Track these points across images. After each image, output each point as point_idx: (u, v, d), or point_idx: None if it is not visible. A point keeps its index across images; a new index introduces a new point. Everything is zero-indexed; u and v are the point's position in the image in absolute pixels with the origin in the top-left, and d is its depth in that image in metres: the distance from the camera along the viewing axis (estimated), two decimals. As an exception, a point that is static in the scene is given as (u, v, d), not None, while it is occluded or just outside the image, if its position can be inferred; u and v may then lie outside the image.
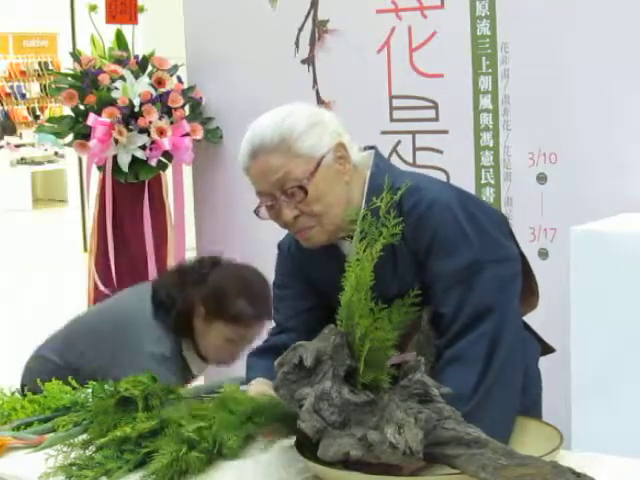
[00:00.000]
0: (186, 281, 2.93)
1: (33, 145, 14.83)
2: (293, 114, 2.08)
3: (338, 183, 2.08)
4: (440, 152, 3.64)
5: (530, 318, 2.26)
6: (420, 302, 2.05)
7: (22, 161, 14.36)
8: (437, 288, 2.05)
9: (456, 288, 2.02)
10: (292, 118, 2.06)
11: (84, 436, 2.11)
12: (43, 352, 3.04)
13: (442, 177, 3.49)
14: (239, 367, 3.50)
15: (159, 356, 2.83)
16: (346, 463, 1.77)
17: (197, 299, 2.87)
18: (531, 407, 2.17)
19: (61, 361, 2.98)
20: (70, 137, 4.27)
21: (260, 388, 2.14)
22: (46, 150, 14.54)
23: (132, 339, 2.89)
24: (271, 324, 2.55)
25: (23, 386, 2.98)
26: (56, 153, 14.20)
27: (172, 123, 4.16)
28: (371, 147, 2.20)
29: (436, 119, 3.64)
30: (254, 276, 2.91)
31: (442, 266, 2.04)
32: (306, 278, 2.22)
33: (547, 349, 2.36)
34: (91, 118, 4.11)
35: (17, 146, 14.77)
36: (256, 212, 2.13)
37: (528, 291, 2.21)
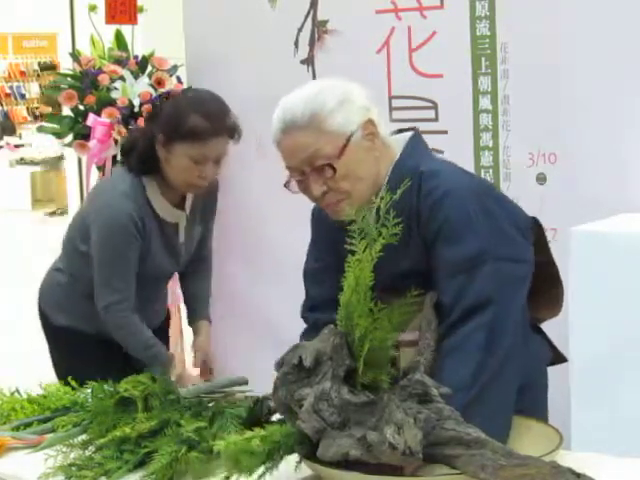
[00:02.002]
0: (147, 121, 3.07)
1: (32, 145, 14.83)
2: (323, 91, 2.10)
3: (367, 159, 2.10)
4: (440, 152, 3.63)
5: (530, 318, 2.26)
6: (427, 285, 2.06)
7: (21, 161, 14.36)
8: (440, 275, 2.06)
9: (457, 277, 2.02)
10: (322, 95, 2.08)
11: (84, 436, 2.11)
12: (52, 267, 3.22)
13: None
14: (239, 367, 3.50)
15: (120, 192, 2.94)
16: (346, 463, 1.77)
17: (156, 129, 2.93)
18: (531, 408, 2.16)
19: (63, 262, 3.15)
20: (70, 137, 4.28)
21: None
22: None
23: (102, 187, 3.13)
24: (227, 141, 2.85)
25: (40, 308, 3.19)
26: (56, 153, 14.20)
27: (172, 123, 4.16)
28: (413, 129, 2.21)
29: (435, 119, 3.64)
30: (206, 94, 3.00)
31: (446, 253, 2.05)
32: (334, 249, 2.19)
33: (559, 358, 2.36)
34: (91, 118, 4.11)
35: (16, 146, 14.77)
36: (286, 185, 2.14)
37: (553, 300, 2.22)
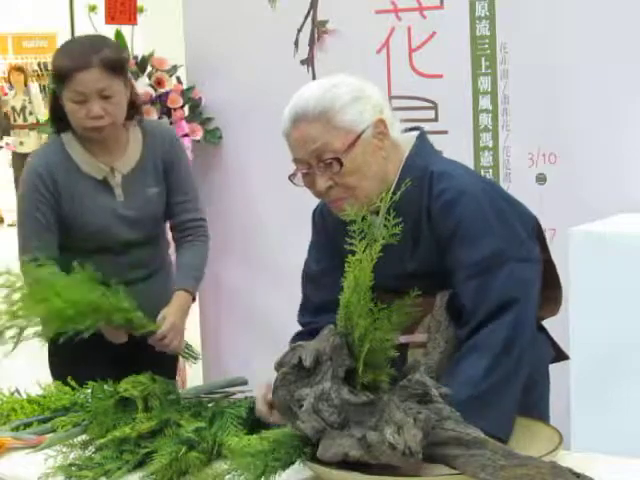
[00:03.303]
0: None
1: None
2: (337, 86, 2.10)
3: (374, 158, 2.10)
4: (439, 152, 3.63)
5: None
6: (435, 286, 2.09)
7: (21, 161, 14.33)
8: (457, 277, 2.07)
9: (476, 279, 2.04)
10: (336, 90, 2.08)
11: (83, 436, 2.11)
12: None
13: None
14: (238, 367, 3.50)
15: (36, 154, 2.97)
16: (345, 463, 1.77)
17: None
18: (534, 407, 2.17)
19: None
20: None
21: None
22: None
23: None
24: (102, 74, 2.75)
25: None
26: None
27: (171, 124, 4.16)
28: (417, 128, 2.22)
29: (435, 119, 3.63)
30: (80, 36, 2.97)
31: (464, 255, 2.06)
32: (337, 250, 2.19)
33: (561, 356, 2.37)
34: (90, 118, 4.10)
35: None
36: (291, 178, 2.14)
37: (552, 299, 2.23)
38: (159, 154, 2.98)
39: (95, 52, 2.79)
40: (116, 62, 2.83)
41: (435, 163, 2.14)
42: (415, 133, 2.20)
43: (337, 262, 2.11)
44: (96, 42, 2.87)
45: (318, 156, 2.07)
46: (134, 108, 2.95)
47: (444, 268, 2.09)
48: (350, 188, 2.09)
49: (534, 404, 2.16)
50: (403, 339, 2.07)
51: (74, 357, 2.76)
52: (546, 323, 2.35)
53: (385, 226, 1.87)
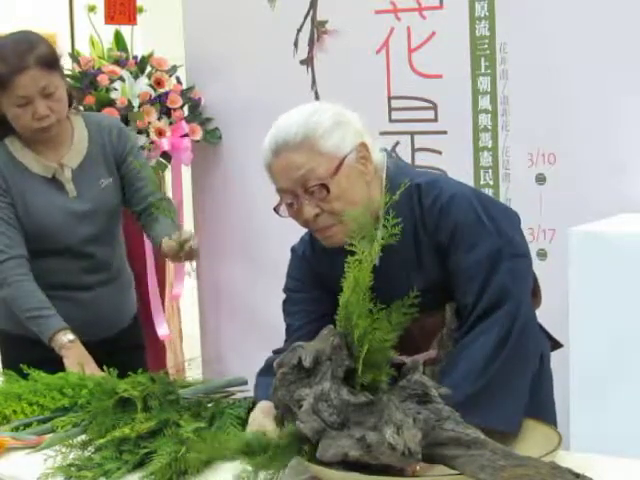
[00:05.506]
0: None
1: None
2: (318, 112, 2.09)
3: (359, 183, 2.10)
4: (439, 153, 3.64)
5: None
6: (445, 298, 2.13)
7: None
8: (461, 279, 2.10)
9: (477, 278, 2.07)
10: (317, 116, 2.08)
11: (83, 437, 2.11)
12: None
13: (441, 178, 3.49)
14: (238, 368, 3.49)
15: None
16: (345, 464, 1.77)
17: None
18: (544, 402, 2.21)
19: None
20: (69, 138, 4.26)
21: (260, 417, 2.08)
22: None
23: None
24: (41, 73, 2.66)
25: None
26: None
27: (171, 124, 4.16)
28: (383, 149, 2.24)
29: (435, 120, 3.64)
30: (7, 37, 2.81)
31: (465, 259, 2.09)
32: (321, 283, 2.22)
33: (555, 344, 2.40)
34: (90, 119, 4.10)
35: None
36: (276, 210, 2.13)
37: (532, 293, 2.24)
38: (107, 144, 2.91)
39: (29, 51, 2.70)
40: (51, 57, 2.74)
41: (415, 176, 2.16)
42: (383, 154, 2.20)
43: (317, 293, 2.21)
44: (26, 40, 2.75)
45: (303, 184, 2.06)
46: (70, 97, 2.87)
47: (448, 278, 2.12)
48: (337, 214, 2.07)
49: (542, 403, 2.20)
50: (419, 357, 2.08)
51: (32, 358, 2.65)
52: (545, 323, 2.35)
53: (384, 226, 1.88)
